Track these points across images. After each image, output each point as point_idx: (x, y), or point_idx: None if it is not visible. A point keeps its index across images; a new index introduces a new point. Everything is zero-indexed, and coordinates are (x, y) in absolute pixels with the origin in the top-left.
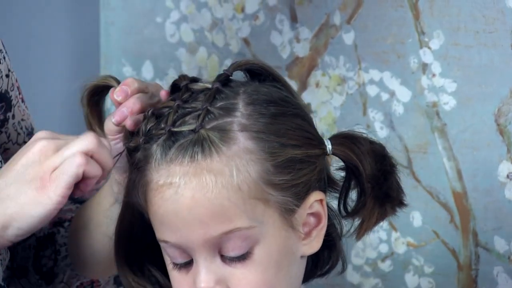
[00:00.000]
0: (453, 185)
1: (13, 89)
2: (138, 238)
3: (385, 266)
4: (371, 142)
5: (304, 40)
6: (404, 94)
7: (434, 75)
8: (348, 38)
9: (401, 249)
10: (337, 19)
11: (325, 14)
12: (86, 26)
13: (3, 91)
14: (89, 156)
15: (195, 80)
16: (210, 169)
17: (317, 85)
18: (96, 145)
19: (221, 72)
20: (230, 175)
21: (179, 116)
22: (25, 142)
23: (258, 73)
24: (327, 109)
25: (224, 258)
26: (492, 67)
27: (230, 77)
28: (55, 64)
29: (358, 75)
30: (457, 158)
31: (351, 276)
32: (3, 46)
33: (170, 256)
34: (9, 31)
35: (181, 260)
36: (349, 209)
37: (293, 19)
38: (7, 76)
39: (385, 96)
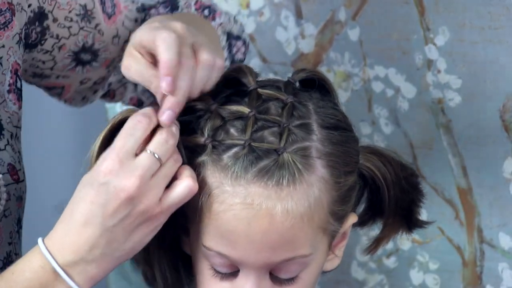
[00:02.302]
0: (458, 182)
1: (44, 0)
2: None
3: (390, 262)
4: (402, 166)
5: (309, 36)
6: (409, 90)
7: (439, 71)
8: (353, 34)
9: (406, 245)
10: (342, 16)
11: (331, 11)
12: None
13: (36, 9)
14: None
15: (256, 76)
16: (293, 197)
17: None
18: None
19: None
20: (308, 205)
21: (257, 129)
22: (82, 29)
23: (316, 84)
24: None
25: (273, 278)
26: (497, 63)
27: (295, 86)
28: None
29: (363, 72)
30: (462, 155)
31: (356, 272)
32: None
33: (214, 264)
34: None
35: (226, 270)
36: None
37: (298, 15)
38: None
39: (390, 93)
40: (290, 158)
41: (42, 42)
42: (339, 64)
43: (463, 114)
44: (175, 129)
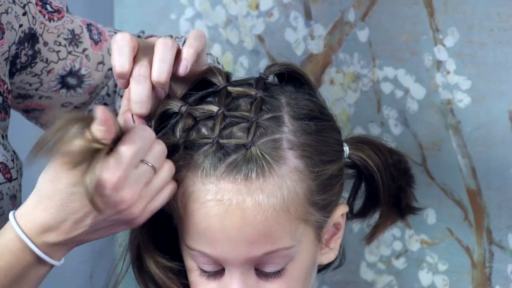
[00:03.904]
0: (467, 183)
1: (35, 22)
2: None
3: (399, 263)
4: (391, 152)
5: (319, 37)
6: (418, 91)
7: (448, 72)
8: (363, 35)
9: (415, 246)
10: (351, 16)
11: (340, 11)
12: (100, 23)
13: (27, 30)
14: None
15: (228, 77)
16: (263, 190)
17: (332, 82)
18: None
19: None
20: (281, 196)
21: (225, 126)
22: (70, 53)
23: (290, 77)
24: (342, 106)
25: (258, 272)
26: (507, 65)
27: (267, 81)
28: None
29: (372, 73)
30: (471, 156)
31: (365, 273)
32: None
33: (199, 263)
34: None
35: (211, 268)
36: (354, 210)
37: (308, 16)
38: (24, 14)
39: (399, 94)
40: (258, 152)
41: (32, 65)
42: (348, 65)
43: (472, 115)
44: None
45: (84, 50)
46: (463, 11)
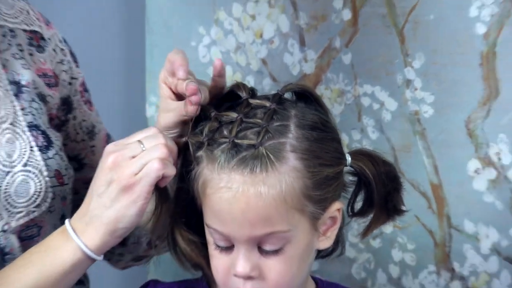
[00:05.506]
0: (430, 178)
1: (75, 95)
2: (187, 215)
3: (376, 243)
4: (385, 163)
5: (311, 60)
6: (391, 104)
7: (416, 89)
8: (347, 59)
9: (388, 230)
10: (337, 43)
11: (328, 39)
12: (134, 48)
13: (66, 96)
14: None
15: (253, 91)
16: (265, 182)
17: (321, 97)
18: (169, 149)
19: (274, 92)
20: (280, 189)
21: (241, 129)
22: (83, 140)
23: (304, 95)
24: None
25: (261, 250)
26: (463, 82)
27: (282, 97)
28: (109, 79)
29: (354, 89)
30: (434, 156)
31: (348, 251)
32: (72, 55)
33: (215, 239)
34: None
35: (223, 244)
36: (355, 210)
37: (302, 43)
38: (70, 83)
39: (376, 106)
40: (264, 151)
41: (58, 131)
42: (335, 83)
43: (435, 124)
44: (170, 141)
45: (92, 146)
46: (428, 39)
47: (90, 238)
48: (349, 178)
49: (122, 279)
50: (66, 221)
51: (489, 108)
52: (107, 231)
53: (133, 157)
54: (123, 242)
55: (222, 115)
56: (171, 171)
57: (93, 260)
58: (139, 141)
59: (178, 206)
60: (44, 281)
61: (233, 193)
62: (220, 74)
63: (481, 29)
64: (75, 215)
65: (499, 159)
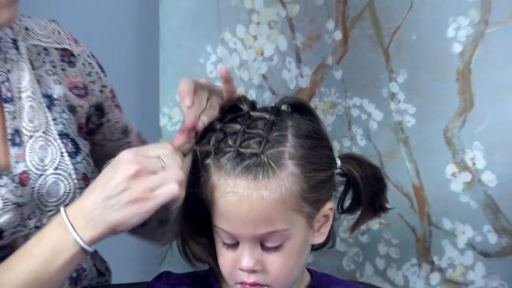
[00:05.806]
0: (413, 181)
1: (106, 101)
2: (196, 217)
3: (364, 238)
4: (371, 166)
5: (306, 76)
6: (378, 115)
7: (400, 101)
8: (338, 74)
9: (375, 226)
10: (330, 61)
11: (321, 57)
12: (150, 65)
13: (97, 103)
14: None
15: (253, 104)
16: (267, 187)
17: (316, 108)
18: (184, 172)
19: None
20: (280, 192)
21: (244, 139)
22: (119, 139)
23: (298, 107)
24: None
25: (263, 247)
26: (442, 96)
27: (279, 109)
28: (127, 92)
29: (345, 101)
30: (416, 161)
31: (339, 246)
32: (100, 67)
33: (222, 237)
34: None
35: (230, 242)
36: (344, 207)
37: (298, 60)
38: (101, 91)
39: (364, 116)
40: (266, 159)
41: (95, 133)
42: (327, 96)
43: (417, 132)
44: (185, 159)
45: (128, 143)
46: (410, 57)
47: (88, 234)
48: (338, 179)
49: (138, 270)
50: (62, 212)
51: (464, 118)
52: (106, 230)
53: (153, 172)
54: (163, 223)
55: (226, 127)
56: (183, 194)
57: (88, 253)
58: (159, 156)
59: (187, 210)
60: (47, 271)
61: (239, 197)
62: (227, 80)
63: (457, 48)
64: (74, 207)
65: (474, 164)
